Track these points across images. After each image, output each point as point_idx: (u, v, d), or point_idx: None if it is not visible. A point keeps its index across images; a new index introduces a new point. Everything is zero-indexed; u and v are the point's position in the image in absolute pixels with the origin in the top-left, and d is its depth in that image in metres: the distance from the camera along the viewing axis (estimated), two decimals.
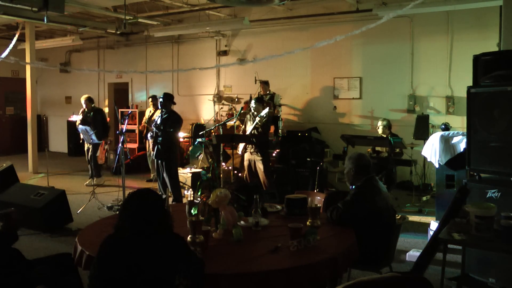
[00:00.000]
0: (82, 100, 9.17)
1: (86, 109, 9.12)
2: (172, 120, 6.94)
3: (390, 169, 6.67)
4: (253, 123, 7.26)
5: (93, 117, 9.01)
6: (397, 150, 7.15)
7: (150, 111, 9.69)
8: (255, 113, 7.33)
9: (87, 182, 9.07)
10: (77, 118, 9.26)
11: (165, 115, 6.93)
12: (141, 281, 2.19)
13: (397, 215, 3.74)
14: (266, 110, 7.14)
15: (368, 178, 3.55)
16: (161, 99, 6.98)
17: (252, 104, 7.42)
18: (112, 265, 2.23)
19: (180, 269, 2.31)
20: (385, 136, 7.37)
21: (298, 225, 2.92)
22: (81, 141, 9.07)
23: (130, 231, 2.28)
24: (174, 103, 7.12)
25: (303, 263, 2.63)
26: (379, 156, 7.28)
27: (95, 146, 8.80)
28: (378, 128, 7.50)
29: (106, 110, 12.46)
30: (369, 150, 7.44)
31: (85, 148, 9.06)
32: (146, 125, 9.40)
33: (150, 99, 9.89)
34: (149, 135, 7.34)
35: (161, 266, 2.23)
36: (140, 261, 2.22)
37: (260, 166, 7.12)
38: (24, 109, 12.20)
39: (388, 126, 7.44)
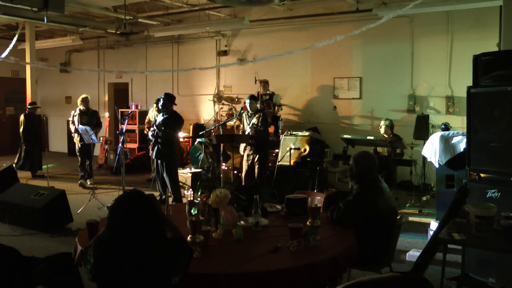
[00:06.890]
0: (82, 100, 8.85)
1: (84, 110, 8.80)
2: (174, 121, 6.95)
3: (390, 169, 6.67)
4: (249, 122, 7.34)
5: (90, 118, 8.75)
6: (398, 151, 7.16)
7: (156, 115, 9.46)
8: (251, 111, 7.41)
9: (87, 184, 8.80)
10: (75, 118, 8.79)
11: (166, 115, 6.93)
12: (140, 284, 2.18)
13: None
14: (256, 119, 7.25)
15: (372, 179, 3.53)
16: (162, 99, 6.98)
17: (247, 102, 7.47)
18: (107, 270, 2.19)
19: (177, 271, 2.28)
20: (387, 136, 7.37)
21: (298, 225, 2.92)
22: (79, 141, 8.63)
23: (121, 238, 2.21)
24: (175, 104, 7.11)
25: (303, 263, 2.63)
26: (379, 156, 7.28)
27: (91, 147, 8.50)
28: (381, 127, 7.51)
29: (106, 113, 12.45)
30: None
31: (76, 148, 8.79)
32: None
33: (155, 104, 9.71)
34: (150, 133, 7.25)
35: (156, 270, 2.20)
36: (134, 265, 2.18)
37: (256, 166, 7.27)
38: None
39: (390, 127, 7.45)
